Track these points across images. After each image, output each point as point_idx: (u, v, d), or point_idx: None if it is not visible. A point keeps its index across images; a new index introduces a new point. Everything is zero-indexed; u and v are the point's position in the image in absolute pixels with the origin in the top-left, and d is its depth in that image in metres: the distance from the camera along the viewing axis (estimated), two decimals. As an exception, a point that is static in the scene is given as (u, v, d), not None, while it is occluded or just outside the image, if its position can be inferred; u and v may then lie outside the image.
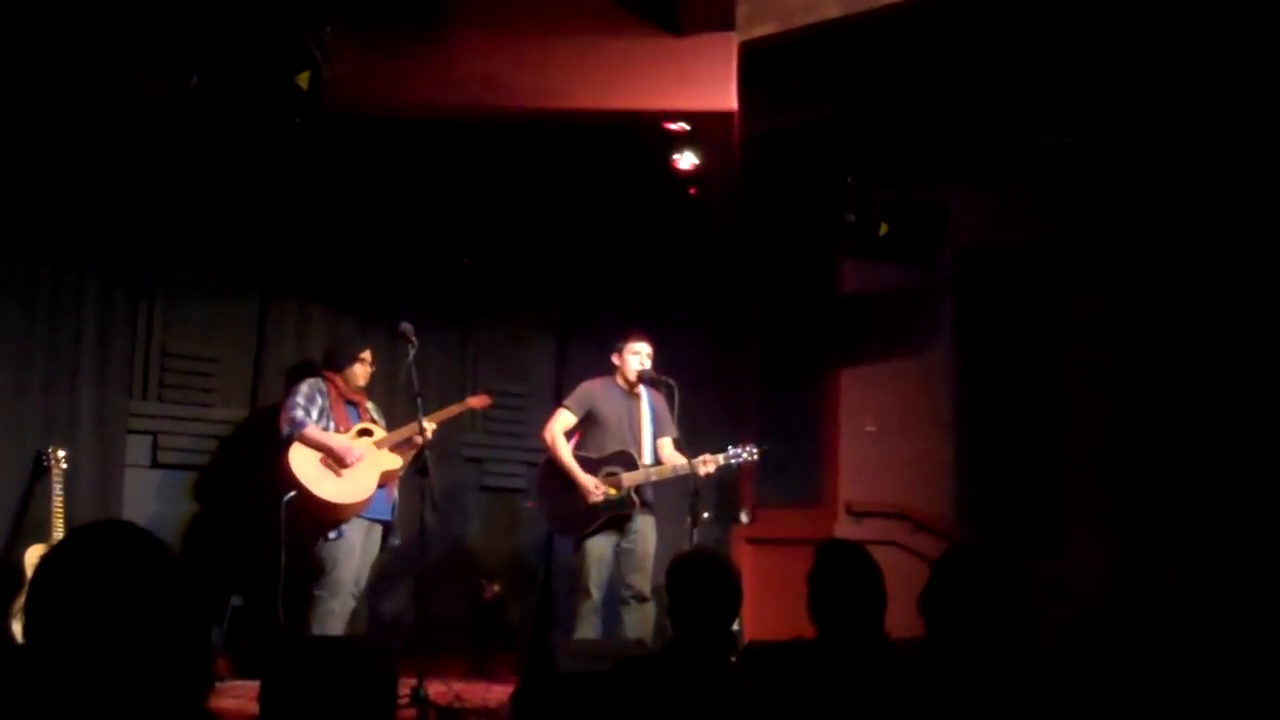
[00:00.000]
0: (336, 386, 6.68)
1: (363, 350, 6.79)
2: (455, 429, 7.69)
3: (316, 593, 6.32)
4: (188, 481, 7.10)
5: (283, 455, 6.39)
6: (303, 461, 6.37)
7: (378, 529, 6.59)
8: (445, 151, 7.24)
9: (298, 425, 6.45)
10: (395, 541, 6.68)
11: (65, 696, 1.68)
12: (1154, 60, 6.79)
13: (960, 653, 2.84)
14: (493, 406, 7.55)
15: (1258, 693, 3.05)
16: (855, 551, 3.67)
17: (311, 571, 6.35)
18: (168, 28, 5.42)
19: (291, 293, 7.61)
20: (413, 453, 6.52)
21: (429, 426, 6.32)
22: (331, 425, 6.55)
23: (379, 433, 6.64)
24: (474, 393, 7.38)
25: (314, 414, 6.52)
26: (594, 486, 6.62)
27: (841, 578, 3.59)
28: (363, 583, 6.56)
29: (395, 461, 6.56)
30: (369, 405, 6.84)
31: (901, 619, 3.59)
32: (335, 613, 6.31)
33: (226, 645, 6.51)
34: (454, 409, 6.87)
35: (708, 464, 6.59)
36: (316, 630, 6.18)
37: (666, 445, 6.84)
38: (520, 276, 8.36)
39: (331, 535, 6.37)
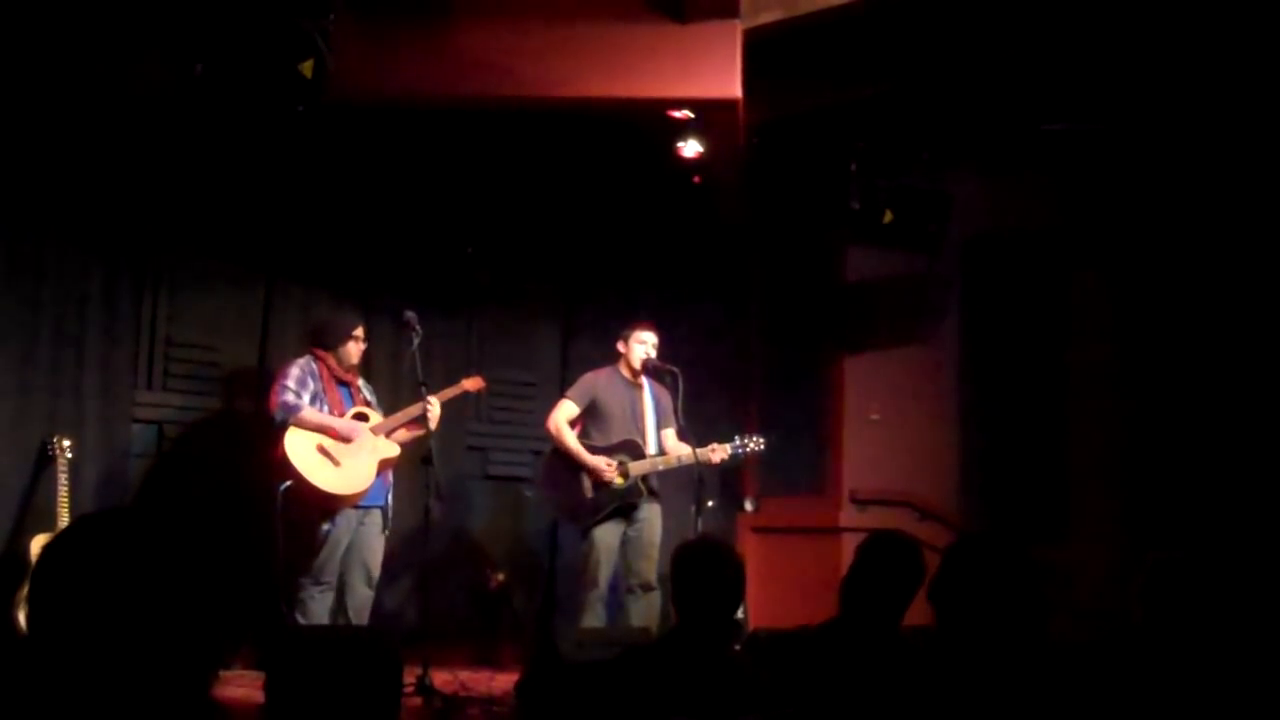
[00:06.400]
0: (328, 366, 6.46)
1: (355, 327, 6.57)
2: (459, 418, 7.69)
3: (299, 580, 6.24)
4: (193, 471, 7.09)
5: (277, 442, 6.21)
6: (299, 449, 6.18)
7: (371, 516, 6.42)
8: (449, 139, 7.23)
9: (291, 409, 6.23)
10: (388, 529, 6.50)
11: (69, 687, 1.67)
12: (1158, 46, 6.76)
13: (970, 642, 2.84)
14: (487, 390, 7.42)
15: (1249, 674, 3.05)
16: (909, 547, 3.65)
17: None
18: (171, 17, 5.41)
19: (296, 282, 7.61)
20: (418, 436, 6.45)
21: (435, 404, 6.29)
22: (325, 408, 6.36)
23: (375, 417, 6.48)
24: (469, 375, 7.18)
25: (305, 397, 6.30)
26: (605, 465, 6.61)
27: (887, 568, 3.57)
28: (374, 571, 6.41)
29: (394, 449, 6.40)
30: (361, 384, 6.67)
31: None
32: (315, 600, 6.24)
33: (231, 635, 6.51)
34: (449, 391, 6.63)
35: (715, 453, 6.61)
36: (302, 621, 6.16)
37: (670, 436, 6.85)
38: (524, 265, 8.36)
39: (325, 527, 6.25)
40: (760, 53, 6.10)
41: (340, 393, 6.49)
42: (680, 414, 6.65)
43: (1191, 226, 7.67)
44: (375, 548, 6.43)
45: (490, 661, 7.03)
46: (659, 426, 6.87)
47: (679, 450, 6.73)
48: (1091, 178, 8.02)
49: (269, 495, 6.19)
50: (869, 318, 8.35)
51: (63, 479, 6.28)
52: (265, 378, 7.14)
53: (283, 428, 6.25)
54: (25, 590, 5.83)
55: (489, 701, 5.68)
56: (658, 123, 6.51)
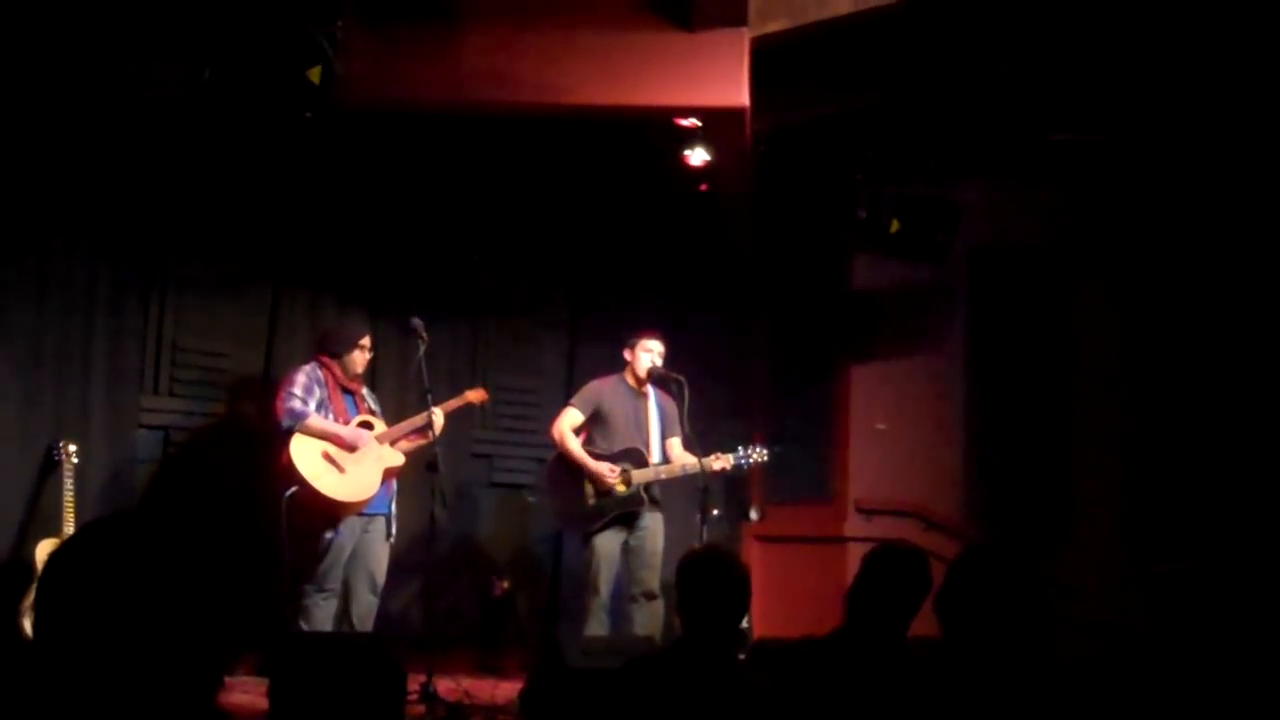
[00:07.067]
0: (333, 374, 6.46)
1: (363, 336, 6.58)
2: (464, 425, 7.68)
3: (303, 586, 6.24)
4: (198, 476, 7.09)
5: (283, 448, 6.21)
6: (305, 455, 6.19)
7: (375, 523, 6.40)
8: (456, 146, 7.24)
9: (298, 416, 6.24)
10: (392, 536, 6.45)
11: (75, 693, 1.67)
12: (1166, 57, 6.76)
13: (976, 653, 2.83)
14: (490, 402, 7.42)
15: (1255, 683, 3.04)
16: (915, 558, 3.65)
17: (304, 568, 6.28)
18: (179, 22, 5.42)
19: (303, 288, 7.62)
20: (421, 445, 6.45)
21: (438, 414, 6.28)
22: (330, 416, 6.37)
23: (379, 425, 6.48)
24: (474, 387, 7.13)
25: (312, 404, 6.31)
26: (609, 470, 6.61)
27: (893, 579, 3.57)
28: (379, 578, 6.39)
29: (398, 458, 6.41)
30: (365, 393, 6.65)
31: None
32: (319, 607, 6.24)
33: (235, 641, 6.49)
34: (453, 403, 6.61)
35: (719, 463, 6.61)
36: (305, 628, 6.15)
37: (675, 445, 6.84)
38: (530, 272, 8.36)
39: (328, 534, 6.25)
40: (767, 61, 6.09)
41: (345, 401, 6.50)
42: (685, 422, 6.66)
43: (1197, 237, 7.66)
44: (380, 555, 6.43)
45: (494, 669, 7.03)
46: (663, 435, 6.87)
47: (683, 459, 6.72)
48: (1097, 188, 8.01)
49: (274, 502, 6.19)
50: (875, 327, 8.34)
51: (68, 484, 6.29)
52: (271, 384, 7.14)
53: (289, 434, 6.25)
54: (31, 596, 5.84)
55: (493, 710, 5.67)
56: (664, 131, 6.50)
